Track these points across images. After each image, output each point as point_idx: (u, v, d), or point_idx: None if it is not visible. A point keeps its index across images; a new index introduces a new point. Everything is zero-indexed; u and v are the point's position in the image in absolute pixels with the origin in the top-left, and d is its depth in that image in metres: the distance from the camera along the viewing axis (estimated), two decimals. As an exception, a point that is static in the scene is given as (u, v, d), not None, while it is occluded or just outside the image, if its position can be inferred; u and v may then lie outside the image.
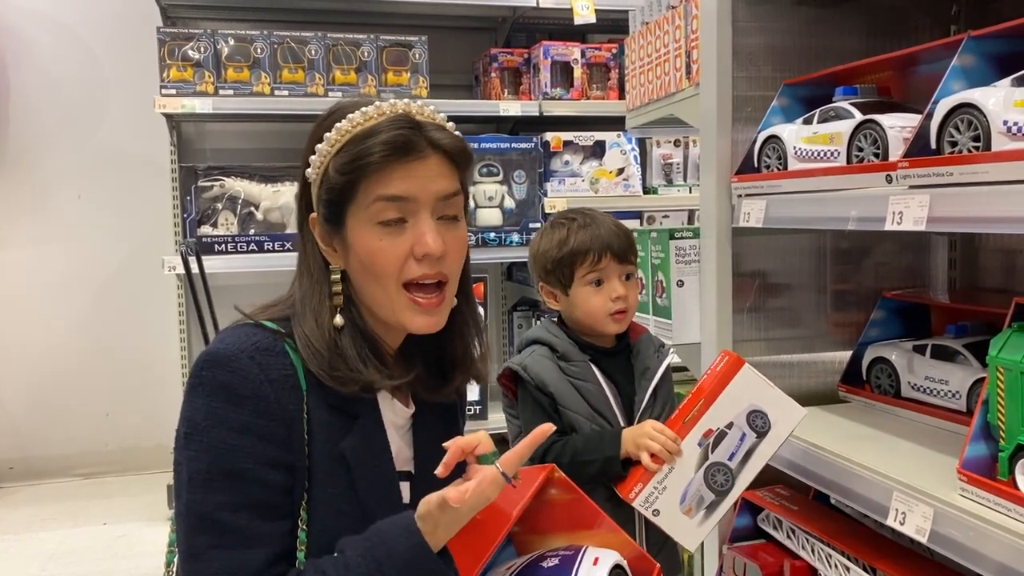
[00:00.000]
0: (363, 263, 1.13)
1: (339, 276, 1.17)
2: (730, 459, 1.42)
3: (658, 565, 1.28)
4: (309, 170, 1.16)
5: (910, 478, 1.31)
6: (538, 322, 2.57)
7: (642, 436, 1.44)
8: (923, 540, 1.24)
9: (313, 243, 1.18)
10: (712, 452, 1.42)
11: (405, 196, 1.11)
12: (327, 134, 1.13)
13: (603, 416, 1.58)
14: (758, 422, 1.43)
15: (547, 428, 1.08)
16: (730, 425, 1.43)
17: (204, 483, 1.06)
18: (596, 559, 1.15)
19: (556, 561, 1.16)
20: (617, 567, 1.16)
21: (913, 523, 1.27)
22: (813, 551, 1.58)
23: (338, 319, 1.15)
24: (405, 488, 1.20)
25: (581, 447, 1.51)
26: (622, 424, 1.58)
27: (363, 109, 1.13)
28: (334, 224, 1.15)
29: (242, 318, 1.17)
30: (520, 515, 1.14)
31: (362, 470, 1.13)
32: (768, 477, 1.73)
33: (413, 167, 1.11)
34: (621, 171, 3.95)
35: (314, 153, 1.14)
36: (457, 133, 1.17)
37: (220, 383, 1.07)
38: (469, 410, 3.78)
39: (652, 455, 1.42)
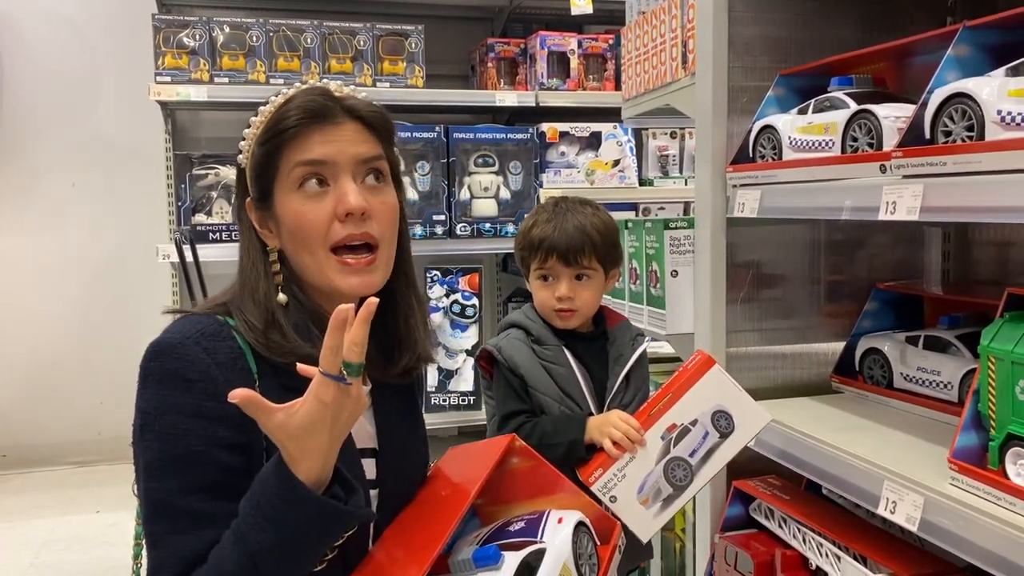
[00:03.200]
0: (291, 231, 1.15)
1: (276, 256, 1.19)
2: (691, 456, 1.43)
3: (619, 523, 1.29)
4: (240, 156, 1.19)
5: (901, 467, 1.32)
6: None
7: (606, 424, 1.46)
8: (913, 529, 1.25)
9: (250, 228, 1.21)
10: (674, 447, 1.43)
11: (324, 160, 1.14)
12: (252, 118, 1.18)
13: (572, 399, 1.61)
14: (722, 422, 1.45)
15: (373, 302, 0.99)
16: (694, 422, 1.44)
17: (158, 470, 1.07)
18: (560, 519, 1.17)
19: (522, 524, 1.18)
20: (581, 524, 1.19)
21: (903, 512, 1.27)
22: (804, 540, 1.58)
23: (281, 296, 1.16)
24: (370, 465, 1.20)
25: (550, 429, 1.54)
26: (592, 408, 1.61)
27: (283, 91, 1.17)
28: (264, 202, 1.17)
29: (186, 311, 1.19)
30: (484, 486, 1.16)
31: None
32: (760, 467, 1.73)
33: (330, 132, 1.14)
34: (617, 163, 3.94)
35: (243, 139, 1.19)
36: (377, 105, 1.21)
37: (168, 371, 1.08)
38: (463, 400, 3.79)
39: (615, 442, 1.44)
